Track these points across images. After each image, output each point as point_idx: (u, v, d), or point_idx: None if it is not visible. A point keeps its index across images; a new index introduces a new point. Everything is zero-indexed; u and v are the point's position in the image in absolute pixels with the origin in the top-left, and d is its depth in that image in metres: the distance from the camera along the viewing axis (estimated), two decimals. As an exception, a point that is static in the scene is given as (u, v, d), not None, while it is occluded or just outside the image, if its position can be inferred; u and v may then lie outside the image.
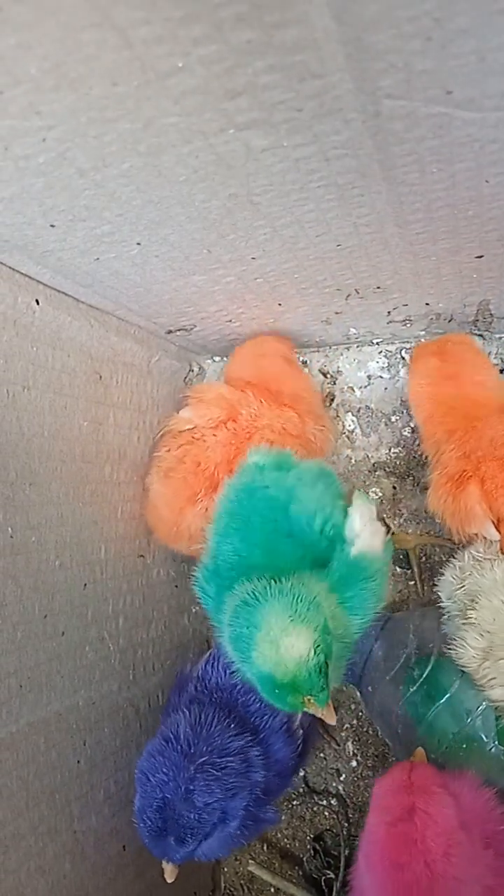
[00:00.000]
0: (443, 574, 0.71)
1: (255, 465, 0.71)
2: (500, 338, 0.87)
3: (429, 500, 0.74)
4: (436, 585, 0.73)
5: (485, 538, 0.69)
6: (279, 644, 0.58)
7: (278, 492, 0.67)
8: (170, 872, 0.66)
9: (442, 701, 0.68)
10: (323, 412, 0.86)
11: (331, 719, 0.62)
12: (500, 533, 0.69)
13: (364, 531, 0.65)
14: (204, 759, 0.66)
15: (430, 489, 0.74)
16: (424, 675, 0.69)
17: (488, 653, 0.63)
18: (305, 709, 0.60)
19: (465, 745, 0.67)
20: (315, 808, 0.92)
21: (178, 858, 0.66)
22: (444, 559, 0.84)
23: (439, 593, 0.69)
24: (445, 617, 0.68)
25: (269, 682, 0.59)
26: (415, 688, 0.69)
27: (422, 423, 0.79)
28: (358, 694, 0.80)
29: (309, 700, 0.59)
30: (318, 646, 0.58)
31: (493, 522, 0.69)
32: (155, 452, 0.81)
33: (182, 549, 0.81)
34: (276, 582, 0.61)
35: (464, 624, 0.65)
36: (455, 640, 0.66)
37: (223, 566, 0.67)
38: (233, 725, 0.70)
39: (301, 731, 0.76)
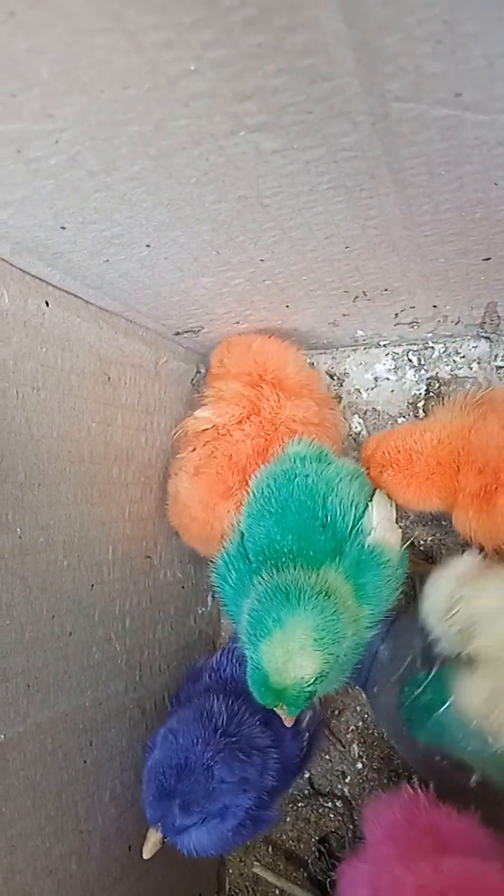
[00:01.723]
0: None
1: (296, 454, 0.70)
2: (508, 340, 0.87)
3: (456, 523, 0.72)
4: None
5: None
6: (291, 658, 0.59)
7: (318, 481, 0.67)
8: (151, 846, 0.64)
9: (448, 702, 0.67)
10: (326, 393, 0.85)
11: (288, 723, 0.63)
12: None
13: (380, 524, 0.66)
14: (234, 739, 0.67)
15: (454, 512, 0.72)
16: (430, 677, 0.69)
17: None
18: (274, 708, 0.62)
19: (469, 748, 0.67)
20: (320, 810, 0.92)
21: (172, 829, 0.64)
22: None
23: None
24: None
25: (262, 678, 0.60)
26: (420, 689, 0.69)
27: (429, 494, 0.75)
28: (364, 696, 0.80)
29: (283, 708, 0.62)
30: (320, 676, 0.59)
31: None
32: (177, 455, 0.79)
33: (212, 550, 0.77)
34: (318, 592, 0.61)
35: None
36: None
37: (252, 549, 0.66)
38: (263, 726, 0.70)
39: (307, 735, 0.76)
